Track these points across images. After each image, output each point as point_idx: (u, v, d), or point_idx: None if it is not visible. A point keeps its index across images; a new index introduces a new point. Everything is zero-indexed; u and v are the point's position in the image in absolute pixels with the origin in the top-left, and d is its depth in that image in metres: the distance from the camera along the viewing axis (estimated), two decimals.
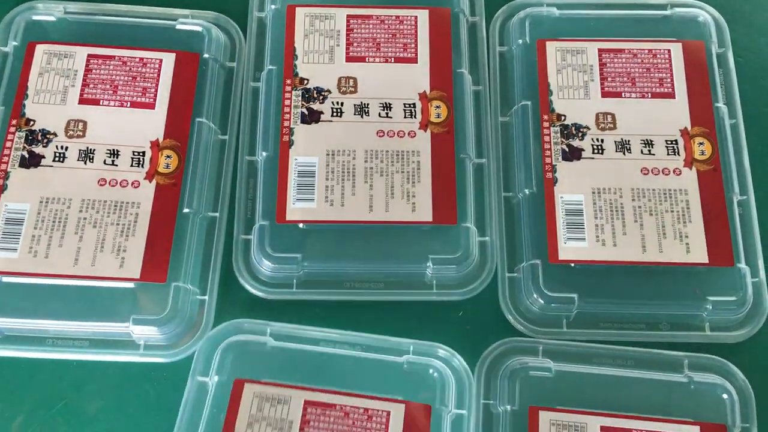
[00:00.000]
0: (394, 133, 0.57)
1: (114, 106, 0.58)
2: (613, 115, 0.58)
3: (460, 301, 0.55)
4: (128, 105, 0.58)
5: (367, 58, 0.60)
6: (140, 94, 0.58)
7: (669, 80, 0.59)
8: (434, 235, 0.56)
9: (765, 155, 0.60)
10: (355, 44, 0.60)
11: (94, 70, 0.59)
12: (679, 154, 0.57)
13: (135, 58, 0.59)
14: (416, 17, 0.61)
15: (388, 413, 0.50)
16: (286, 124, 0.57)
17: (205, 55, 0.60)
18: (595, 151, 0.57)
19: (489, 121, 0.59)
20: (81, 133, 0.57)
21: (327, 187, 0.56)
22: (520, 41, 0.61)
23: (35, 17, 0.61)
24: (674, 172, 0.57)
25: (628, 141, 0.57)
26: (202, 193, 0.57)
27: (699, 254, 0.54)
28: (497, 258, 0.56)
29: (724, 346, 0.54)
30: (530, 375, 0.52)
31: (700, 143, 0.57)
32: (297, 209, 0.55)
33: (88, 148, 0.56)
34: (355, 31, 0.60)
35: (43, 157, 0.56)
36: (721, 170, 0.57)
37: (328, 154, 0.57)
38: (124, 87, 0.58)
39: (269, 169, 0.56)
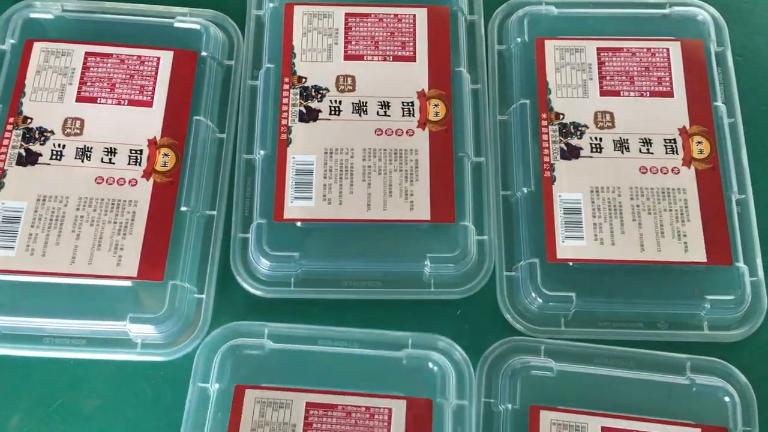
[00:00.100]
0: (393, 132, 0.57)
1: (111, 104, 0.58)
2: (611, 114, 0.58)
3: (458, 300, 0.55)
4: (126, 103, 0.58)
5: (365, 57, 0.60)
6: (138, 92, 0.58)
7: (668, 79, 0.59)
8: (432, 234, 0.55)
9: (763, 154, 0.60)
10: (353, 42, 0.60)
11: (91, 68, 0.59)
12: (677, 153, 0.57)
13: (133, 56, 0.59)
14: (415, 16, 0.61)
15: (390, 410, 0.50)
16: (284, 122, 0.57)
17: (203, 53, 0.60)
18: (594, 149, 0.57)
19: (487, 119, 0.59)
20: (78, 131, 0.57)
21: (325, 185, 0.56)
22: (519, 40, 0.61)
23: (33, 15, 0.61)
24: (673, 171, 0.57)
25: (627, 140, 0.57)
26: (200, 192, 0.57)
27: (697, 253, 0.54)
28: (495, 257, 0.56)
29: (723, 345, 0.54)
30: (532, 374, 0.52)
31: (699, 142, 0.57)
32: (295, 208, 0.55)
33: (85, 146, 0.56)
34: (353, 29, 0.60)
35: (41, 155, 0.56)
36: (719, 169, 0.57)
37: (326, 153, 0.56)
38: (121, 85, 0.58)
39: (267, 168, 0.56)
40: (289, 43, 0.60)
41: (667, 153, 0.57)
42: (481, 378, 0.52)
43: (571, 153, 0.57)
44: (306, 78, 0.59)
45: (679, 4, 0.62)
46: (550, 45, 0.60)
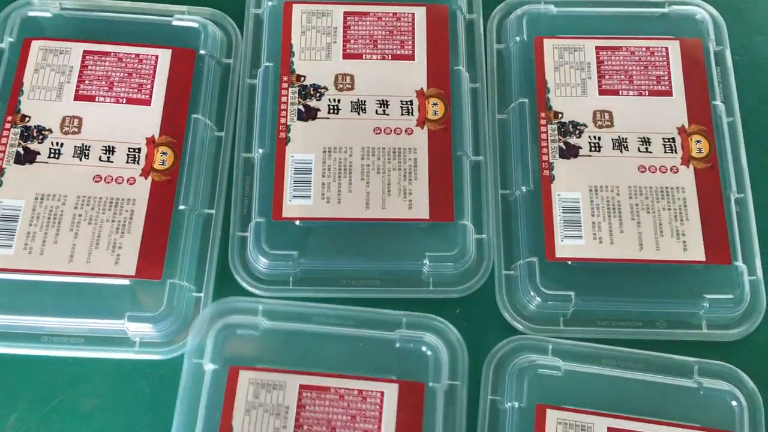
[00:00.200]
0: (391, 131, 0.57)
1: (110, 102, 0.58)
2: (610, 113, 0.58)
3: (456, 299, 0.55)
4: (124, 101, 0.58)
5: (364, 55, 0.59)
6: (136, 90, 0.58)
7: (666, 78, 0.59)
8: (431, 233, 0.55)
9: (762, 153, 0.60)
10: (352, 41, 0.60)
11: (89, 67, 0.59)
12: (676, 151, 0.57)
13: (131, 54, 0.59)
14: (413, 14, 0.61)
15: (382, 393, 0.50)
16: (282, 120, 0.57)
17: (202, 52, 0.60)
18: (593, 148, 0.57)
19: (486, 118, 0.59)
20: (76, 130, 0.57)
21: (324, 184, 0.55)
22: (518, 38, 0.61)
23: (31, 13, 0.61)
24: (671, 169, 0.57)
25: (626, 139, 0.57)
26: (198, 190, 0.56)
27: (696, 252, 0.54)
28: (494, 255, 0.56)
29: (721, 344, 0.54)
30: (539, 373, 0.52)
31: (698, 141, 0.57)
32: (293, 206, 0.55)
33: (83, 144, 0.56)
34: (352, 27, 0.60)
35: (39, 153, 0.56)
36: (718, 168, 0.57)
37: (324, 151, 0.56)
38: (119, 83, 0.58)
39: (265, 166, 0.56)
40: (287, 41, 0.60)
41: (665, 152, 0.57)
42: (488, 375, 0.52)
43: (569, 152, 0.57)
44: (305, 76, 0.59)
45: (678, 3, 0.62)
46: (548, 44, 0.60)
